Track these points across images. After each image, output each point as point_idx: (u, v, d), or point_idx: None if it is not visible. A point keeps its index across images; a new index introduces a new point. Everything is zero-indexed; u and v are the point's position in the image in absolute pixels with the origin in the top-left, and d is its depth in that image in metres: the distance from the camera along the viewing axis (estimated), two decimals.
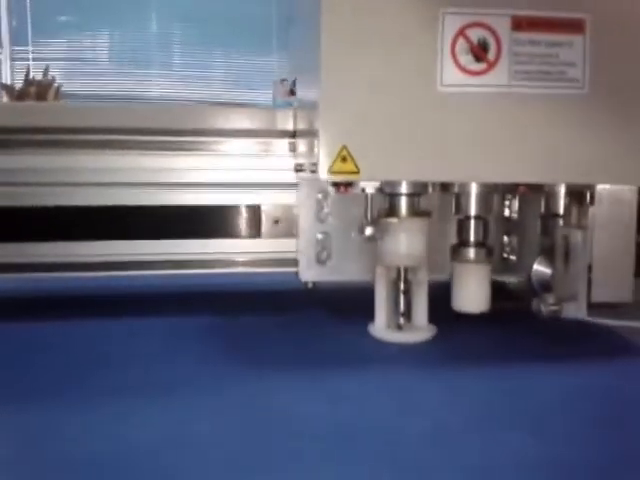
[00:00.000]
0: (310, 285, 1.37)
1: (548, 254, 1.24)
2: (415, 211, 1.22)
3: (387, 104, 1.04)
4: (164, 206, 1.33)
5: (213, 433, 0.83)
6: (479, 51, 1.04)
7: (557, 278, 1.19)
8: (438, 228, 1.33)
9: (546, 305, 1.14)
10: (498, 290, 1.33)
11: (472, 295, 1.23)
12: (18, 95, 3.75)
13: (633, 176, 1.09)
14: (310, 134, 1.14)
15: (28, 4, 4.51)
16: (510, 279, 1.40)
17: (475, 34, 1.03)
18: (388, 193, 1.22)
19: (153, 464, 0.75)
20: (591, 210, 1.12)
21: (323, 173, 1.03)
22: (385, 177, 1.08)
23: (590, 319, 1.19)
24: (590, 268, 1.12)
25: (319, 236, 1.33)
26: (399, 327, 1.24)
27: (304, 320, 1.36)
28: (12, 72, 4.49)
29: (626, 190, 1.12)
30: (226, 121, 1.39)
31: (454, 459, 0.77)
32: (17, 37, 4.51)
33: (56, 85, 4.01)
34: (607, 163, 1.07)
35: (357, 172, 1.03)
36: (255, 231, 1.37)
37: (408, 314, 1.24)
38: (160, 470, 0.73)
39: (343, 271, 1.34)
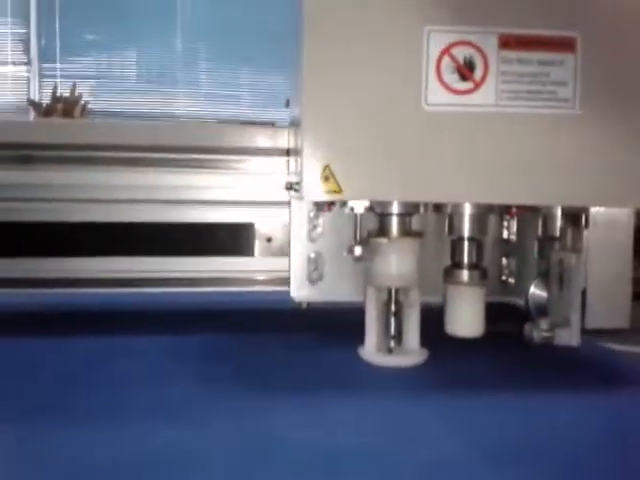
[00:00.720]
0: (305, 305, 1.35)
1: (545, 277, 1.20)
2: (406, 231, 1.20)
3: (371, 123, 1.02)
4: (156, 223, 1.33)
5: (205, 454, 0.82)
6: (465, 70, 1.01)
7: (552, 303, 1.15)
8: (433, 249, 1.30)
9: (538, 331, 1.10)
10: (504, 312, 1.30)
11: (465, 319, 1.20)
12: (45, 111, 3.83)
13: (627, 198, 1.05)
14: (297, 153, 1.12)
15: (57, 22, 4.63)
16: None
17: (461, 52, 1.01)
18: (378, 213, 1.19)
19: None
20: (586, 233, 1.09)
21: (306, 192, 1.02)
22: (368, 197, 1.06)
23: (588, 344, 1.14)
24: (585, 293, 1.08)
25: (311, 255, 1.31)
26: (390, 350, 1.21)
27: (296, 342, 1.34)
28: (40, 89, 4.60)
29: (622, 213, 1.09)
30: (226, 138, 1.39)
31: None
32: (45, 54, 4.62)
33: (82, 102, 4.10)
34: (600, 185, 1.04)
35: (340, 191, 1.02)
36: (248, 249, 1.36)
37: (399, 337, 1.21)
38: None
39: (335, 291, 1.32)
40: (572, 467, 0.80)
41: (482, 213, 1.18)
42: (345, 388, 1.08)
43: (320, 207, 1.16)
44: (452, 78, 1.01)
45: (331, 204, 1.13)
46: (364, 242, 1.21)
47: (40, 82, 4.65)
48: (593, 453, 0.85)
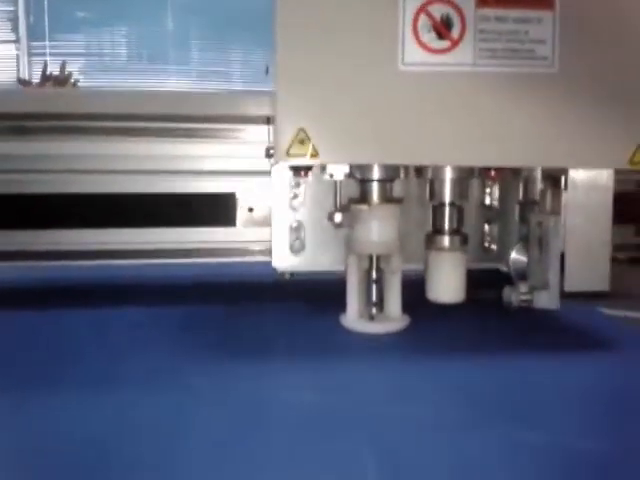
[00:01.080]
0: (288, 275, 1.34)
1: (526, 242, 1.19)
2: (387, 197, 1.19)
3: (347, 85, 1.00)
4: (136, 194, 1.32)
5: (194, 423, 0.81)
6: (442, 28, 0.99)
7: (531, 266, 1.14)
8: (417, 216, 1.29)
9: (517, 294, 1.09)
10: (490, 278, 1.29)
11: (446, 284, 1.19)
12: None
13: (606, 159, 1.03)
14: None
15: (46, 0, 4.57)
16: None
17: (438, 10, 0.99)
18: (359, 179, 1.18)
19: (141, 453, 0.73)
20: (564, 195, 1.07)
21: (281, 156, 1.00)
22: (345, 160, 1.05)
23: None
24: (564, 256, 1.07)
25: (293, 225, 1.30)
26: (371, 317, 1.21)
27: (278, 311, 1.33)
28: (29, 67, 4.55)
29: (602, 174, 1.07)
30: (206, 107, 1.36)
31: (428, 447, 0.76)
32: (34, 32, 4.57)
33: (72, 80, 4.06)
34: (578, 145, 1.02)
35: (316, 155, 1.00)
36: (230, 219, 1.35)
37: (380, 304, 1.21)
38: (145, 459, 0.72)
39: (319, 260, 1.31)
40: (557, 424, 0.81)
41: (463, 178, 1.17)
42: (325, 354, 1.08)
43: (297, 172, 1.15)
44: (429, 37, 0.99)
45: (308, 169, 1.12)
46: (344, 209, 1.20)
47: (29, 60, 4.60)
48: (576, 411, 0.86)
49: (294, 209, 1.29)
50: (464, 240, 1.20)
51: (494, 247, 1.32)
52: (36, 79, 4.12)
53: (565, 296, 1.09)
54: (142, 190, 1.33)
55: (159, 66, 4.84)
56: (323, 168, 1.17)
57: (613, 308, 1.30)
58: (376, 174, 1.16)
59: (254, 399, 0.88)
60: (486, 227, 1.33)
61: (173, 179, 1.34)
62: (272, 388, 0.93)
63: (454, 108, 1.01)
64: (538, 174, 1.14)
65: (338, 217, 1.18)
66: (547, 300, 1.08)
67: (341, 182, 1.18)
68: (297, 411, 0.85)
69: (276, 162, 1.02)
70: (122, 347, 1.10)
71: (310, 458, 0.72)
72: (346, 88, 1.00)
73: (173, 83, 4.88)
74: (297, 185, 1.28)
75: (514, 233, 1.27)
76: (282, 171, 1.27)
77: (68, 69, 4.03)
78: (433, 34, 0.99)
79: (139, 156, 1.31)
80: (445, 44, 1.00)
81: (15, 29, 4.54)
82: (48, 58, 4.50)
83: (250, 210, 1.35)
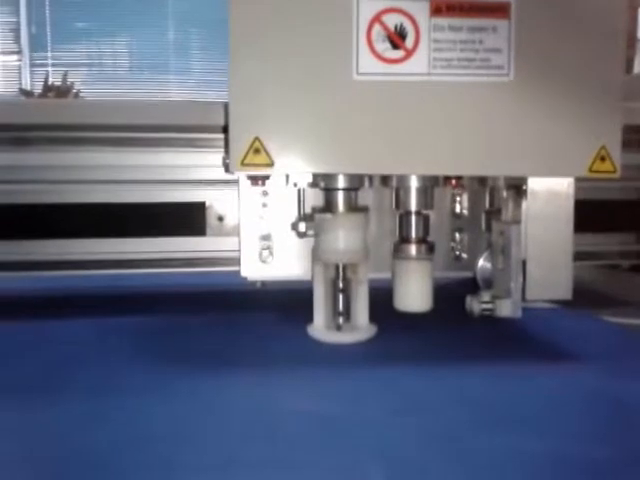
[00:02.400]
0: (259, 285, 1.34)
1: (492, 250, 1.18)
2: (352, 206, 1.18)
3: (302, 94, 1.00)
4: (105, 204, 1.32)
5: (166, 435, 0.80)
6: (396, 38, 0.99)
7: (495, 275, 1.13)
8: (389, 225, 1.29)
9: (479, 303, 1.08)
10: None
11: (413, 293, 1.19)
12: None
13: (563, 167, 1.03)
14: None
15: (47, 11, 4.62)
16: None
17: (392, 20, 0.99)
18: (324, 188, 1.18)
19: (135, 462, 0.73)
20: (525, 204, 1.06)
21: (235, 166, 1.00)
22: (300, 169, 1.04)
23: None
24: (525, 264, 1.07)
25: (262, 233, 1.29)
26: (338, 327, 1.20)
27: (246, 321, 1.33)
28: (31, 78, 4.61)
29: (562, 182, 1.06)
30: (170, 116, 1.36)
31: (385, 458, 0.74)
32: (36, 43, 4.62)
33: (74, 90, 4.10)
34: (536, 154, 1.01)
35: (271, 164, 1.00)
36: (200, 229, 1.35)
37: (347, 313, 1.20)
38: (140, 469, 0.72)
39: (288, 269, 1.31)
40: (534, 429, 0.80)
41: (427, 186, 1.16)
42: (285, 365, 1.07)
43: (255, 181, 1.15)
44: (383, 47, 0.99)
45: (265, 178, 1.12)
46: (309, 218, 1.19)
47: (31, 71, 4.66)
48: (553, 416, 0.85)
49: (263, 218, 1.29)
50: (431, 249, 1.19)
51: (465, 255, 1.31)
52: (38, 89, 4.17)
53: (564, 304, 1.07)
54: (111, 200, 1.34)
55: (160, 75, 4.88)
56: (287, 177, 1.17)
57: (616, 316, 1.29)
58: (340, 183, 1.16)
59: (217, 409, 0.88)
60: (457, 235, 1.32)
61: (143, 189, 1.35)
62: (244, 398, 0.92)
63: (409, 118, 1.00)
64: (502, 183, 1.13)
65: (302, 226, 1.18)
66: (509, 309, 1.07)
67: (304, 191, 1.18)
68: (271, 422, 0.84)
69: (231, 172, 1.03)
70: (84, 356, 1.10)
71: (291, 467, 0.72)
72: (301, 97, 1.00)
73: (174, 92, 4.92)
74: (266, 194, 1.28)
75: (483, 241, 1.26)
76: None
77: (70, 79, 4.08)
78: (387, 44, 0.99)
79: (105, 166, 1.32)
80: (400, 54, 0.99)
81: (17, 40, 4.60)
82: (50, 69, 4.56)
83: (220, 219, 1.35)
